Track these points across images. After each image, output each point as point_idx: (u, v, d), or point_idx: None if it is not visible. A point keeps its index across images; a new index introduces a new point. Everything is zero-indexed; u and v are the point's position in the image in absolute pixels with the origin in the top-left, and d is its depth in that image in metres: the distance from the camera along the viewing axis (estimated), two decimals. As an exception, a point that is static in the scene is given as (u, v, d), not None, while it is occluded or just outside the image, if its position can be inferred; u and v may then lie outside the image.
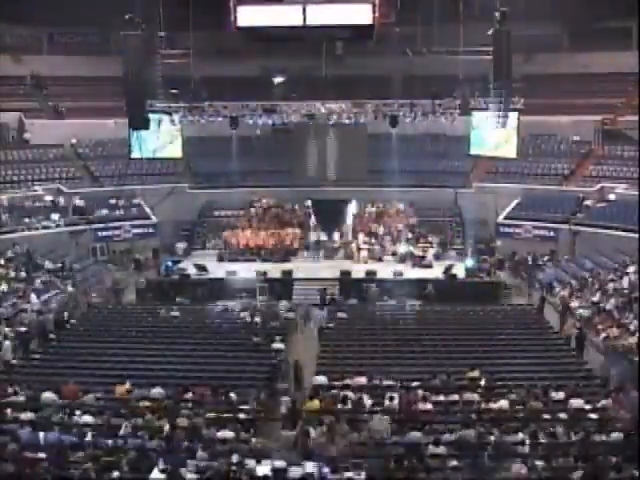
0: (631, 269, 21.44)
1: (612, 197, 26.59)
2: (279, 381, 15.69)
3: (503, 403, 12.96)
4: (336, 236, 27.22)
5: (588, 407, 12.86)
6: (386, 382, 14.13)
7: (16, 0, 25.97)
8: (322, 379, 14.41)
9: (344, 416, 12.30)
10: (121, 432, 11.50)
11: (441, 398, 13.38)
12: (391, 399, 13.07)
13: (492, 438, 11.38)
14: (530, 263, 25.81)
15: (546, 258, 26.12)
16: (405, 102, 23.70)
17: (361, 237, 26.81)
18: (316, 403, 13.01)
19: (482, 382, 14.08)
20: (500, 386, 13.84)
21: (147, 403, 12.97)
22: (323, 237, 27.27)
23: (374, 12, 18.04)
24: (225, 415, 12.62)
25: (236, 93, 26.60)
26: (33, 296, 20.69)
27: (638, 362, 15.57)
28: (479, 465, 10.49)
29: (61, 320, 19.54)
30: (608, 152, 29.34)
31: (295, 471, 10.24)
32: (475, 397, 13.34)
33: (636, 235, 22.57)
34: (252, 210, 28.90)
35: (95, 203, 28.18)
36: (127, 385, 13.85)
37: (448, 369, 14.77)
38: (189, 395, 13.53)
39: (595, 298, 20.59)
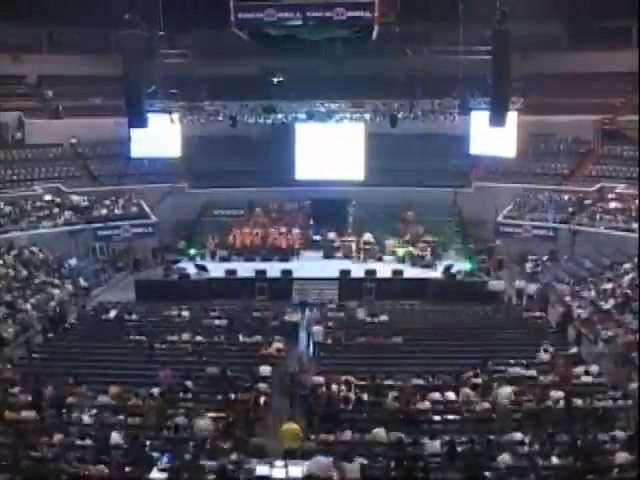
0: (630, 269, 21.44)
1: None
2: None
3: (502, 403, 12.95)
4: (336, 236, 27.19)
5: (587, 406, 12.85)
6: (386, 382, 14.10)
7: (16, 0, 25.94)
8: (321, 379, 14.38)
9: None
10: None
11: (440, 397, 13.36)
12: (394, 399, 13.07)
13: (492, 437, 11.39)
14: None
15: (545, 258, 26.13)
16: (405, 102, 23.69)
17: (361, 237, 26.78)
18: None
19: (480, 381, 14.07)
20: (498, 386, 13.80)
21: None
22: (322, 237, 27.24)
23: (373, 11, 18.04)
24: (224, 415, 12.62)
25: (236, 93, 26.58)
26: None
27: (638, 362, 15.57)
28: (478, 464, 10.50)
29: (60, 320, 19.52)
30: (608, 152, 29.28)
31: (295, 470, 10.23)
32: (474, 396, 13.33)
33: (636, 235, 22.59)
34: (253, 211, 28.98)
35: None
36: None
37: (448, 369, 14.76)
38: (188, 395, 13.53)
39: (594, 298, 20.58)
